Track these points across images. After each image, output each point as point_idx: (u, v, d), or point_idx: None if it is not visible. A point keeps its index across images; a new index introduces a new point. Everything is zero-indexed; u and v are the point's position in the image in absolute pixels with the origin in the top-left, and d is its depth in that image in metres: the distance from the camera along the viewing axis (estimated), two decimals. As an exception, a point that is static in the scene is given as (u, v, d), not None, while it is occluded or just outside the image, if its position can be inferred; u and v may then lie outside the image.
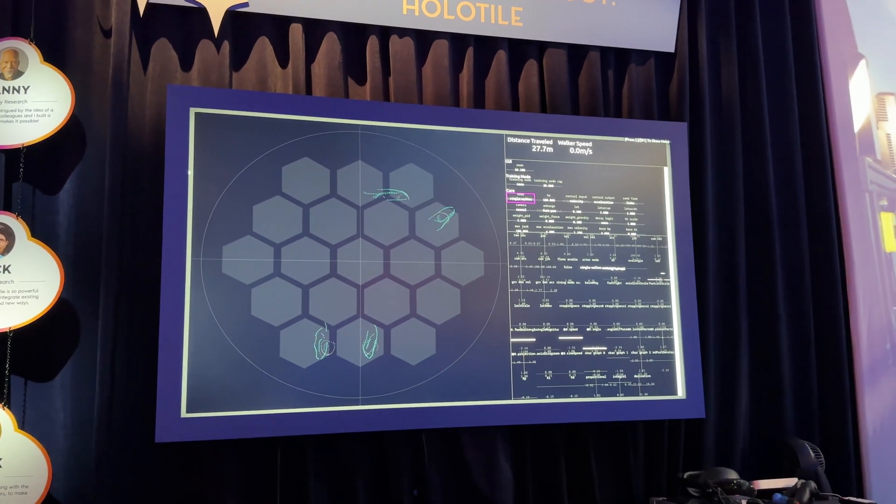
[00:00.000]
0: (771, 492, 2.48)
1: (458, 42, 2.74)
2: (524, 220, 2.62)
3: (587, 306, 2.63)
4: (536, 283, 2.60)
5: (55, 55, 2.36)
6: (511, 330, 2.54)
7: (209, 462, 2.29)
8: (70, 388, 2.27)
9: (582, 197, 2.69)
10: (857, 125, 3.14)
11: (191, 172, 2.31)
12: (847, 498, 2.48)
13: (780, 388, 2.86)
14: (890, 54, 3.25)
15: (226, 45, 2.48)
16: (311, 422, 2.30)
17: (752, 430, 2.85)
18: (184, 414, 2.20)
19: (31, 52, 2.30)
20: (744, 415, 2.82)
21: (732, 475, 2.43)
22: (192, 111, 2.34)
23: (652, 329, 2.67)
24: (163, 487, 2.27)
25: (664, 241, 2.74)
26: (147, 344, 2.27)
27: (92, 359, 2.26)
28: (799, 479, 2.56)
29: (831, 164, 3.09)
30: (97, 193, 2.34)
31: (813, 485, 2.49)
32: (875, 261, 3.06)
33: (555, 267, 2.62)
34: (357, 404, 2.35)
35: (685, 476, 2.52)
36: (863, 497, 2.82)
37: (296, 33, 2.53)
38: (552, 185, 2.67)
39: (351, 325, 2.39)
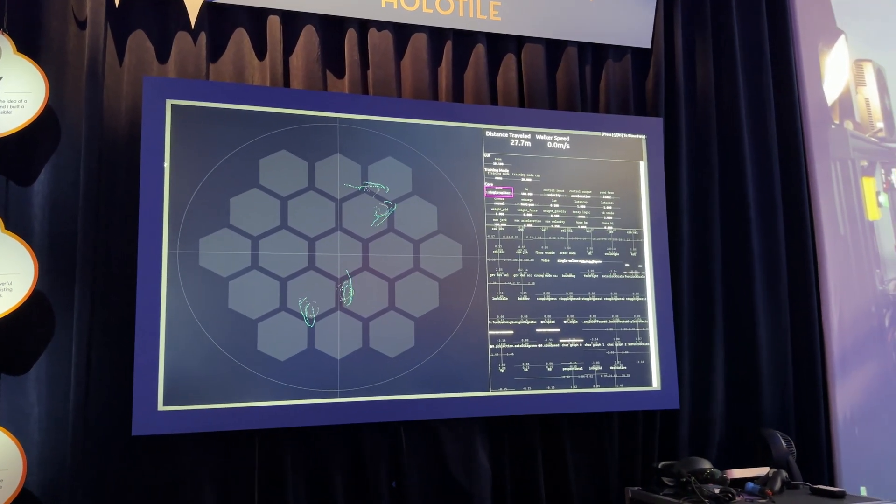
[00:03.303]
0: (743, 481, 2.52)
1: (437, 36, 2.75)
2: (502, 214, 2.64)
3: (564, 299, 2.66)
4: (514, 276, 2.62)
5: (29, 46, 2.34)
6: (489, 322, 2.56)
7: (186, 455, 2.29)
8: (45, 382, 2.25)
9: (559, 191, 2.71)
10: (837, 95, 3.22)
11: (167, 165, 2.30)
12: (817, 486, 2.53)
13: (754, 378, 2.91)
14: (869, 22, 3.32)
15: (203, 37, 2.47)
16: (289, 414, 2.30)
17: (726, 421, 2.90)
18: (160, 407, 2.19)
19: (4, 43, 2.27)
20: (718, 405, 2.87)
21: (706, 465, 2.47)
22: (169, 103, 2.32)
23: (628, 321, 2.71)
24: (139, 480, 2.26)
25: (640, 235, 2.77)
26: (123, 337, 2.26)
27: (67, 352, 2.24)
28: (771, 468, 2.60)
29: (805, 156, 3.14)
30: (72, 185, 2.32)
31: (784, 474, 2.54)
32: (861, 241, 3.12)
33: (532, 260, 2.64)
34: (335, 397, 2.36)
35: (660, 466, 2.55)
36: (833, 485, 2.87)
37: (273, 25, 2.52)
38: (530, 179, 2.69)
39: (329, 318, 2.39)
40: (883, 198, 3.21)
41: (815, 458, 2.92)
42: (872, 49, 3.31)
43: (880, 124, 3.27)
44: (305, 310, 2.34)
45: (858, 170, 3.19)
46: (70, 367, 2.22)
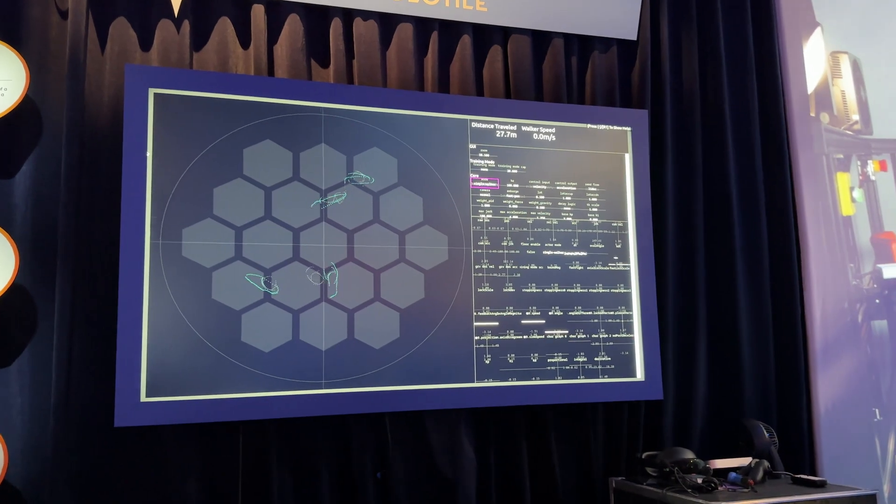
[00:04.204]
0: (726, 471, 2.54)
1: (423, 26, 2.74)
2: (488, 205, 2.64)
3: (549, 291, 2.66)
4: (500, 267, 2.62)
5: (10, 34, 2.31)
6: (474, 314, 2.56)
7: (169, 447, 2.28)
8: (27, 374, 2.23)
9: (545, 182, 2.71)
10: (814, 87, 3.24)
11: (149, 154, 2.28)
12: (798, 476, 2.56)
13: (737, 369, 2.94)
14: (846, 15, 3.34)
15: (186, 26, 2.45)
16: (274, 406, 2.29)
17: (709, 411, 2.92)
18: (143, 398, 2.18)
19: (-16, 30, 2.25)
20: (701, 396, 2.89)
21: (689, 455, 2.49)
22: (151, 91, 2.30)
23: (612, 313, 2.72)
24: (122, 472, 2.25)
25: (625, 227, 2.78)
26: (105, 328, 2.25)
27: (49, 343, 2.22)
28: (753, 458, 2.63)
29: (788, 150, 3.16)
30: (54, 176, 2.30)
31: (766, 464, 2.56)
32: (835, 236, 3.15)
33: (518, 252, 2.65)
34: (320, 388, 2.35)
35: (643, 456, 2.57)
36: (814, 475, 2.90)
37: (258, 14, 2.50)
38: (516, 171, 2.69)
39: (314, 309, 2.39)
40: (857, 193, 3.23)
41: (797, 447, 2.95)
42: (849, 41, 3.31)
43: (856, 117, 3.29)
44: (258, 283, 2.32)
45: (833, 164, 3.21)
46: (52, 358, 2.20)
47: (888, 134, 3.30)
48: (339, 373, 2.38)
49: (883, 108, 3.31)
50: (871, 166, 3.27)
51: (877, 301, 3.17)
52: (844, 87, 3.28)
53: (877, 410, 3.09)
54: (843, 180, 3.21)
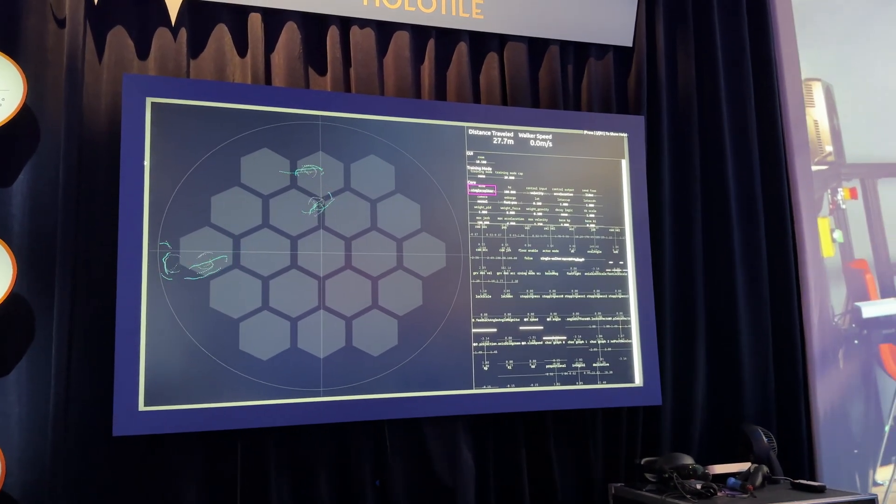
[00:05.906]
0: (725, 476, 2.54)
1: (420, 34, 2.75)
2: (485, 212, 2.64)
3: (547, 296, 2.66)
4: (497, 273, 2.62)
5: (7, 44, 2.31)
6: (472, 320, 2.56)
7: (168, 455, 2.27)
8: (25, 383, 2.23)
9: (542, 189, 2.72)
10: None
11: (147, 163, 2.28)
12: (798, 481, 2.56)
13: (736, 374, 2.94)
14: (816, 38, 3.28)
15: (183, 34, 2.45)
16: (272, 414, 2.29)
17: (707, 417, 2.92)
18: (141, 407, 2.17)
19: (-19, 40, 2.25)
20: (700, 401, 2.89)
21: (688, 460, 2.48)
22: (149, 101, 2.31)
23: (610, 318, 2.72)
24: (121, 481, 2.25)
25: (622, 233, 2.79)
26: (103, 337, 2.25)
27: (47, 353, 2.22)
28: (752, 463, 2.63)
29: (785, 156, 3.17)
30: (52, 185, 2.30)
31: (765, 469, 2.56)
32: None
33: (515, 258, 2.65)
34: (318, 396, 2.35)
35: (642, 462, 2.57)
36: (813, 480, 2.90)
37: (255, 23, 2.51)
38: (513, 177, 2.69)
39: (312, 316, 2.39)
40: (837, 234, 3.16)
41: (796, 452, 2.95)
42: (821, 66, 3.23)
43: (829, 148, 3.20)
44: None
45: (813, 208, 3.14)
46: (50, 368, 2.19)
47: (858, 158, 3.21)
48: (337, 380, 2.38)
49: (854, 132, 3.22)
50: (842, 194, 3.20)
51: (855, 342, 3.13)
52: (817, 116, 3.20)
53: (856, 451, 3.07)
54: (824, 225, 3.15)
